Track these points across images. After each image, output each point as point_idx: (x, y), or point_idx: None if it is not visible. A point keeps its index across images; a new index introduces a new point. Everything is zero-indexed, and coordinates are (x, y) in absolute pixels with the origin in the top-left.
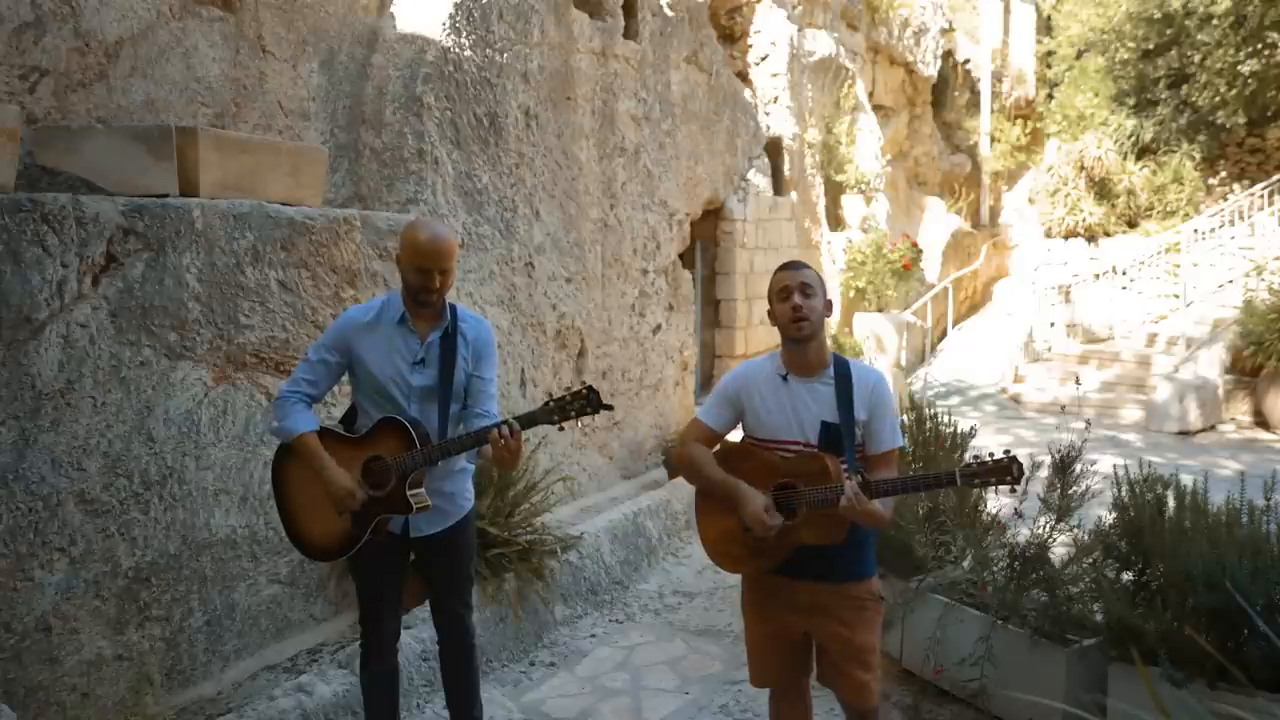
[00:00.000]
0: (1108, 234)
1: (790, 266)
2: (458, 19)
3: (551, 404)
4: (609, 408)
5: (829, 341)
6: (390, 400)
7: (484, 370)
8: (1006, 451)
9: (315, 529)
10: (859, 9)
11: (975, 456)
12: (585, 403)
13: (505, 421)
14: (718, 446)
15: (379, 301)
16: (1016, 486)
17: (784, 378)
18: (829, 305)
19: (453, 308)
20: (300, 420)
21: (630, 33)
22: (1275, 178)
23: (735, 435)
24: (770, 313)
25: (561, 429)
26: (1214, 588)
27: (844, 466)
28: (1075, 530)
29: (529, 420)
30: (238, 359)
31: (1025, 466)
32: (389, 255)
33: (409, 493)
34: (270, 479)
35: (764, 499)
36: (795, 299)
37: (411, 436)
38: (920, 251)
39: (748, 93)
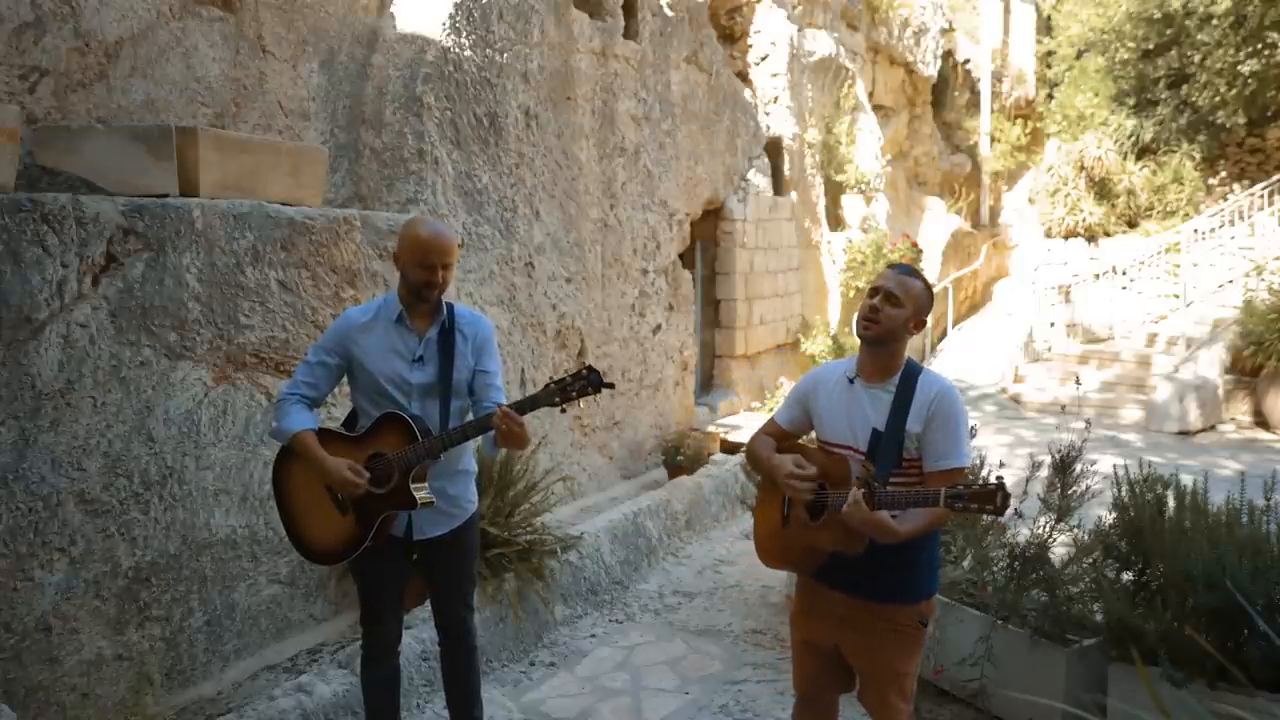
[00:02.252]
0: (1108, 234)
1: (896, 268)
2: (458, 19)
3: (553, 385)
4: (610, 385)
5: (902, 349)
6: (390, 400)
7: (487, 364)
8: (999, 479)
9: (318, 532)
10: (859, 9)
11: (981, 479)
12: (586, 383)
13: (501, 406)
14: (782, 444)
15: (377, 302)
16: (1000, 516)
17: (851, 380)
18: (921, 324)
19: (449, 305)
20: (298, 420)
21: (630, 33)
22: (1275, 178)
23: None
24: None
25: (564, 410)
26: (1214, 588)
27: (867, 475)
28: (1075, 530)
29: (531, 403)
30: (238, 359)
31: (1025, 466)
32: (389, 255)
33: (413, 487)
34: (271, 483)
35: (794, 458)
36: (876, 300)
37: (413, 431)
38: (920, 251)
39: (748, 93)
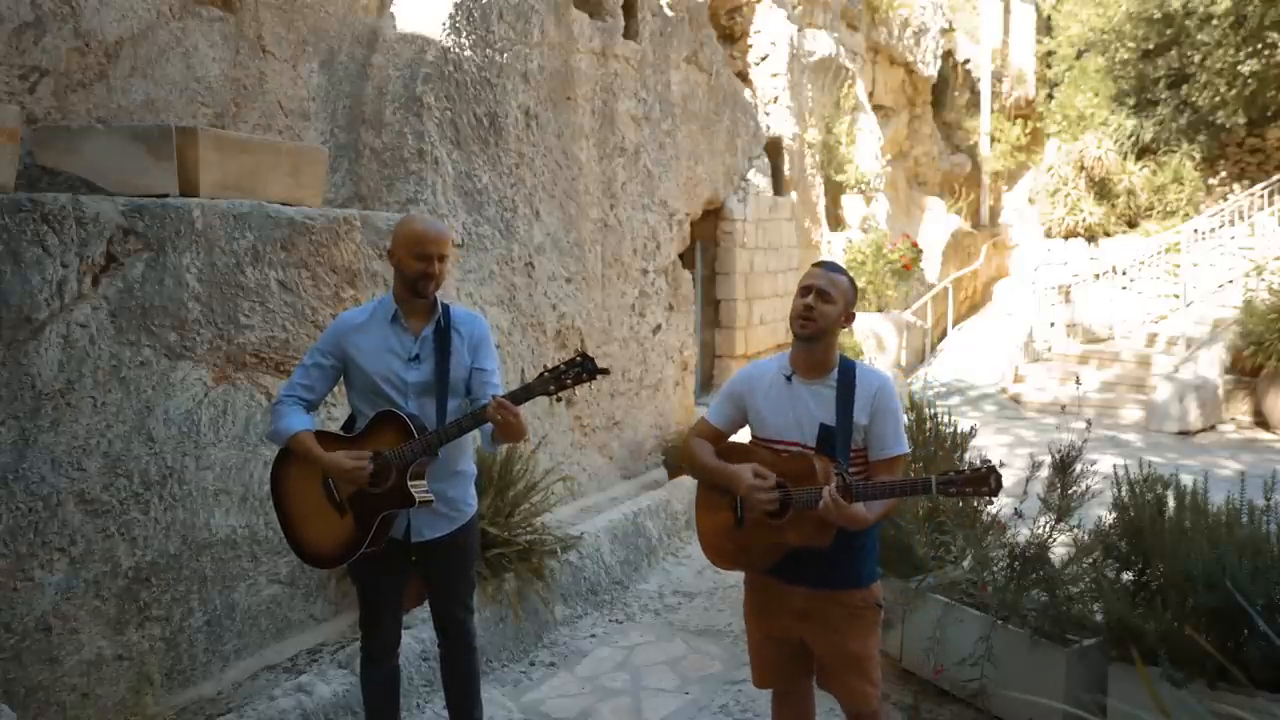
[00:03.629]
0: (1108, 234)
1: (823, 266)
2: (458, 19)
3: (547, 374)
4: (605, 372)
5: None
6: (386, 399)
7: (484, 362)
8: (985, 461)
9: (317, 535)
10: (859, 9)
11: (969, 463)
12: (581, 369)
13: (495, 397)
14: (722, 445)
15: (373, 304)
16: (994, 498)
17: (788, 378)
18: (850, 317)
19: (444, 304)
20: (295, 421)
21: (630, 33)
22: (1275, 178)
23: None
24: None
25: (559, 399)
26: (1214, 588)
27: (834, 469)
28: (1075, 530)
29: (525, 393)
30: (238, 359)
31: (1025, 466)
32: (388, 255)
33: (411, 485)
34: (270, 486)
35: (753, 467)
36: (809, 299)
37: (409, 429)
38: (920, 251)
39: (748, 93)
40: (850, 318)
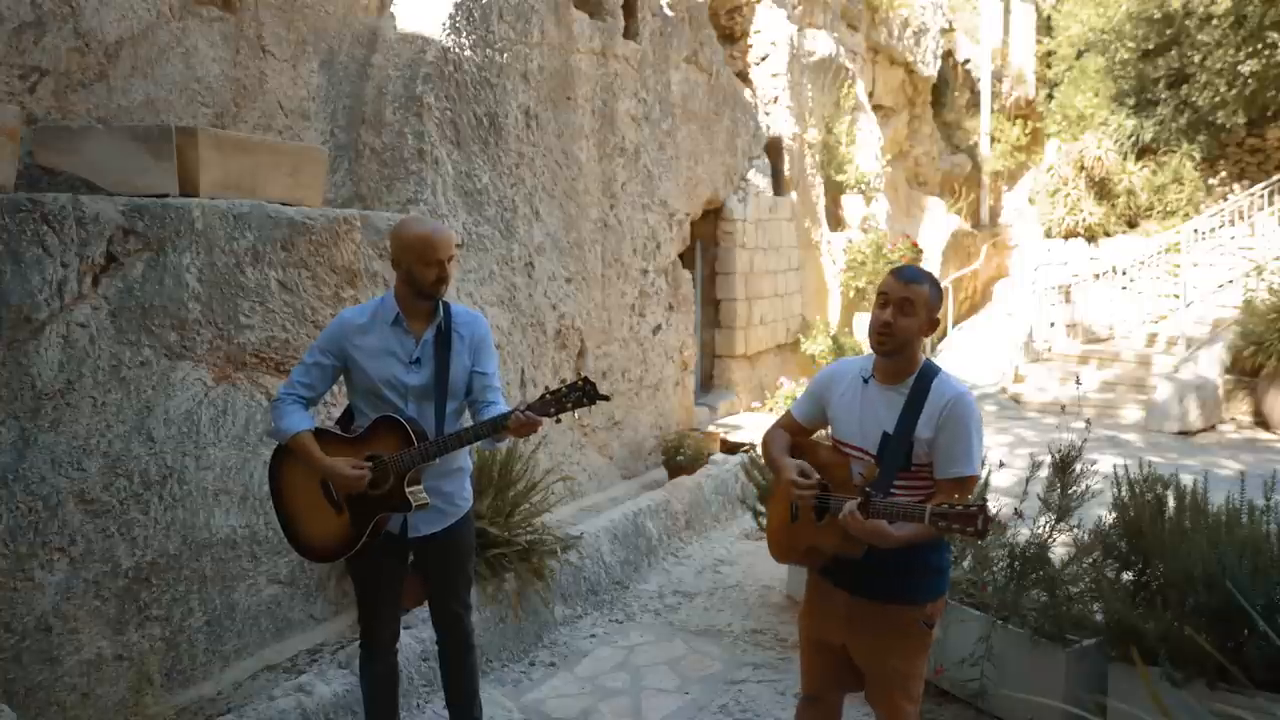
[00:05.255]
0: (1108, 234)
1: (901, 275)
2: (458, 19)
3: (548, 397)
4: (605, 398)
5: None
6: (386, 402)
7: (485, 365)
8: (983, 502)
9: (314, 530)
10: (859, 9)
11: (948, 505)
12: (582, 394)
13: (516, 408)
14: (799, 439)
15: (373, 304)
16: (980, 540)
17: (866, 380)
18: (935, 324)
19: (445, 305)
20: (295, 420)
21: (630, 33)
22: (1275, 178)
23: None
24: None
25: (558, 421)
26: (1214, 588)
27: (864, 482)
28: (1075, 530)
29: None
30: (238, 359)
31: (1025, 466)
32: (389, 255)
33: (408, 490)
34: (268, 480)
35: (800, 465)
36: (888, 315)
37: (408, 434)
38: (920, 251)
39: (748, 93)
40: (935, 324)
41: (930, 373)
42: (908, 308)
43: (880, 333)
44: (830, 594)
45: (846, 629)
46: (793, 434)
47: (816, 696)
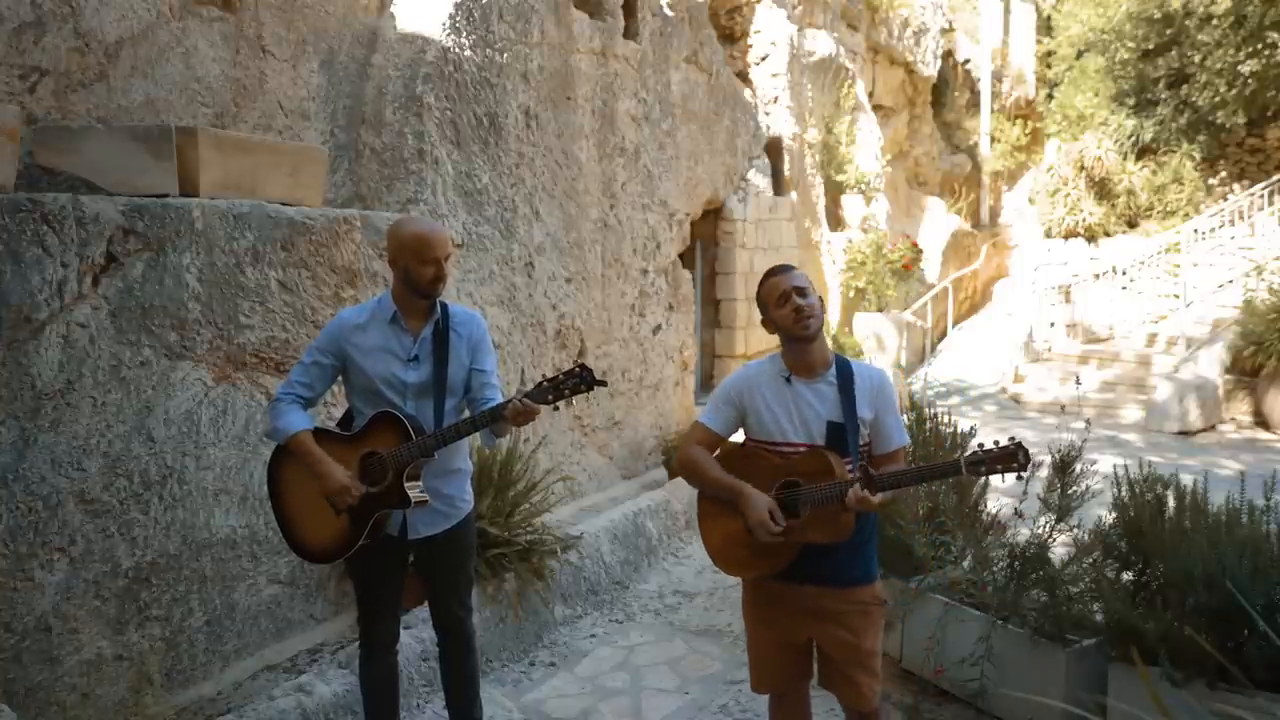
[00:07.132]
0: (1108, 234)
1: (779, 271)
2: (458, 19)
3: (545, 384)
4: (603, 383)
5: (829, 341)
6: (385, 400)
7: (483, 362)
8: (1012, 438)
9: (312, 531)
10: (859, 9)
11: (980, 445)
12: (579, 381)
13: (514, 397)
14: (719, 449)
15: (371, 303)
16: (1023, 474)
17: (787, 379)
18: (821, 303)
19: (443, 304)
20: (294, 420)
21: (630, 33)
22: (1275, 178)
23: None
24: (765, 321)
25: (556, 409)
26: (1214, 588)
27: (849, 464)
28: (1075, 530)
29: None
30: (238, 359)
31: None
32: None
33: (406, 485)
34: (267, 480)
35: (768, 501)
36: (796, 300)
37: (406, 429)
38: (920, 251)
39: (748, 93)
40: (822, 304)
41: (844, 362)
42: (804, 289)
43: (802, 318)
44: (792, 593)
45: (814, 622)
46: (711, 447)
47: (784, 693)
